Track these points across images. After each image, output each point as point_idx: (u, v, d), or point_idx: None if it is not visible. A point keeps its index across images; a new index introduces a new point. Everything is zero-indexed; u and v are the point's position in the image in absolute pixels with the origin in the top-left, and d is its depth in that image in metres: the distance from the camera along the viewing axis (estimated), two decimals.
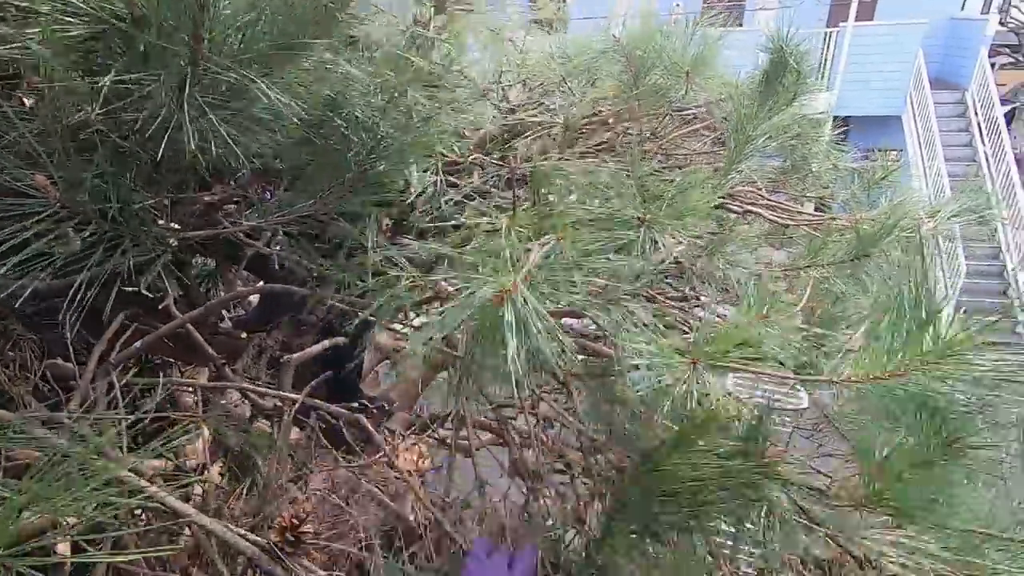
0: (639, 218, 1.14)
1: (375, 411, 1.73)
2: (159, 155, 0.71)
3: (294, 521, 1.00)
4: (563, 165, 1.06)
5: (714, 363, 0.81)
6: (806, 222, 1.63)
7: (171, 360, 2.04)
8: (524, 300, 0.81)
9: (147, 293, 1.52)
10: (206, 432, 1.27)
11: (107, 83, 0.72)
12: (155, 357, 1.48)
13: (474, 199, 1.21)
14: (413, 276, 1.05)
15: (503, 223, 0.88)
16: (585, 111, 1.34)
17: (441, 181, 1.49)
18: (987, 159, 9.28)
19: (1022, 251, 8.48)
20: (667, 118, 1.65)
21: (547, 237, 0.94)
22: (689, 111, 1.92)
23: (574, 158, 1.20)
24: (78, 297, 0.74)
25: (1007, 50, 11.85)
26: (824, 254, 1.40)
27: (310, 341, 1.83)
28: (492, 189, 1.10)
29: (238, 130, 0.76)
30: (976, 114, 9.46)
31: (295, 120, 0.82)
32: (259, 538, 0.97)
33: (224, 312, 2.09)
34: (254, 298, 2.18)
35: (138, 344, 1.07)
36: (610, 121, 1.43)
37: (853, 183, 2.17)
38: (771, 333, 0.85)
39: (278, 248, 1.34)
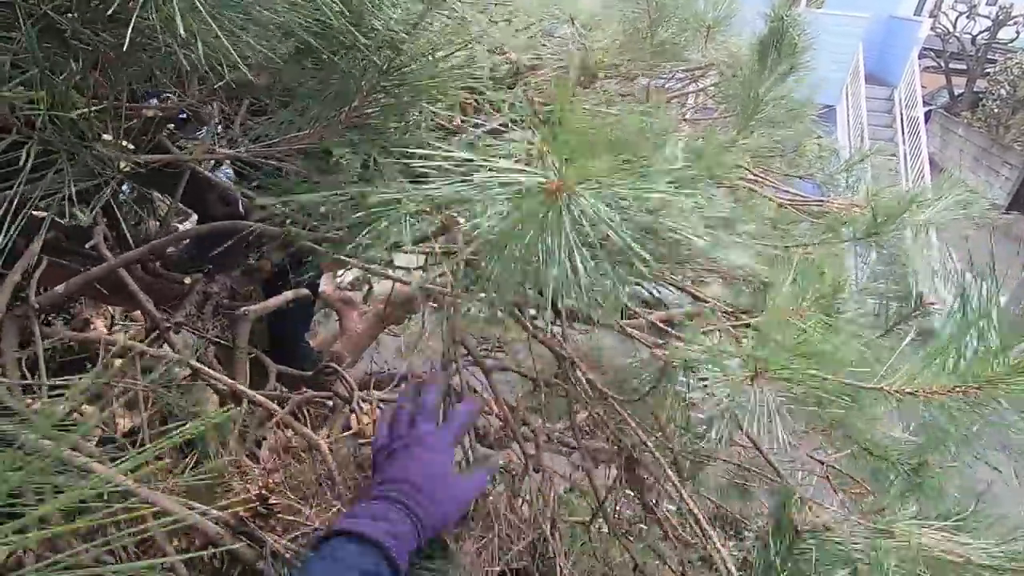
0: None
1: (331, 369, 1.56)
2: (122, 42, 0.51)
3: (263, 493, 0.85)
4: (603, 109, 0.92)
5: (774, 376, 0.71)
6: (801, 202, 1.58)
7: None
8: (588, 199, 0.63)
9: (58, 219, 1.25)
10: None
11: None
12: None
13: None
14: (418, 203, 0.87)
15: (537, 147, 0.71)
16: (599, 55, 1.20)
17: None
18: (905, 158, 9.86)
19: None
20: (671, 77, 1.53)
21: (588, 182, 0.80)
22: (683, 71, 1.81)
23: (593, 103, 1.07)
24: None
25: (932, 54, 12.56)
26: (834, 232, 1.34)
27: (257, 289, 1.61)
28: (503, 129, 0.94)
29: (232, 25, 0.57)
30: (901, 112, 10.00)
31: (304, 21, 0.63)
32: (223, 514, 0.81)
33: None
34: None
35: (60, 288, 0.85)
36: (622, 69, 1.30)
37: (831, 164, 2.16)
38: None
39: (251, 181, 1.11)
